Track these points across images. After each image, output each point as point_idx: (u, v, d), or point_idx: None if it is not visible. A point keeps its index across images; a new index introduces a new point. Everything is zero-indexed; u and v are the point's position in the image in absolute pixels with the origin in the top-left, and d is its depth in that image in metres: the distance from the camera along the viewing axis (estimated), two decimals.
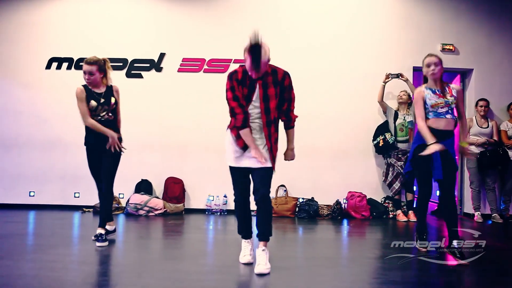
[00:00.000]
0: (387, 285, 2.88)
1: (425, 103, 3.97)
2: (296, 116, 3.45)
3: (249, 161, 3.31)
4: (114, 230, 4.45)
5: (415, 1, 6.83)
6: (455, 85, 4.10)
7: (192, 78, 6.73)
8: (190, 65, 6.74)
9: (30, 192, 6.65)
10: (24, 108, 6.71)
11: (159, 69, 6.74)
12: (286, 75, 3.31)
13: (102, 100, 4.16)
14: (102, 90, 4.23)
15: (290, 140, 3.53)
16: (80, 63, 6.68)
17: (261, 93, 3.24)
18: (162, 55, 6.74)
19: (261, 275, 3.16)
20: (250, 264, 3.40)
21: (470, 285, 2.87)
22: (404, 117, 6.30)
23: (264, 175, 3.32)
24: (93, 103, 4.12)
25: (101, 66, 4.21)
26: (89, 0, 6.82)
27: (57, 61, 6.74)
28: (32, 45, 6.77)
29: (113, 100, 4.24)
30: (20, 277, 3.12)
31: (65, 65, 6.74)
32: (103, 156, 4.19)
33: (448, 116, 3.95)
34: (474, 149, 6.31)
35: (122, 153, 4.29)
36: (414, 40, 6.77)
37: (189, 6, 6.81)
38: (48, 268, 3.36)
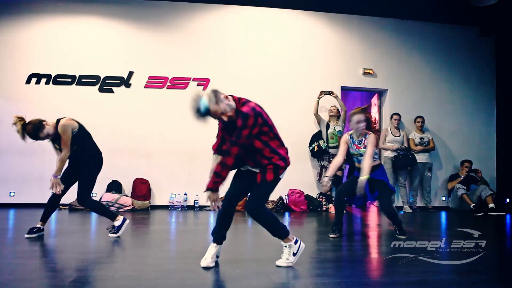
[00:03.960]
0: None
1: (349, 147, 4.25)
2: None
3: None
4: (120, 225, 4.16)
5: (342, 32, 7.17)
6: (369, 136, 4.16)
7: (157, 93, 6.73)
8: (155, 82, 6.74)
9: (10, 192, 6.41)
10: (5, 118, 6.43)
11: (128, 85, 6.70)
12: (238, 115, 2.88)
13: (52, 138, 3.94)
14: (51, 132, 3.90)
15: None
16: (58, 79, 6.57)
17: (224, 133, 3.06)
18: (131, 73, 6.71)
19: (278, 267, 2.98)
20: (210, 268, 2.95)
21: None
22: (334, 127, 6.57)
23: (257, 189, 2.98)
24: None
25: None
26: (66, 23, 6.69)
27: (36, 77, 6.56)
28: (13, 62, 6.56)
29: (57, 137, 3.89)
30: (4, 265, 3.07)
31: (43, 80, 6.56)
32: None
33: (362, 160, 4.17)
34: (390, 154, 6.72)
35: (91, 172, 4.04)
36: (342, 64, 7.11)
37: (155, 31, 6.82)
38: (28, 257, 3.32)
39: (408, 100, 7.20)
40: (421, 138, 6.92)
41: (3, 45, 6.56)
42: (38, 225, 4.04)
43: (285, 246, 3.04)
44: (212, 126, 6.63)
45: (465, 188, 6.72)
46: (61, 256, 3.48)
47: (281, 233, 3.05)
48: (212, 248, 3.03)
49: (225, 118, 2.87)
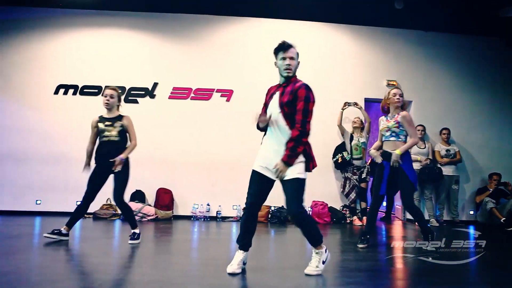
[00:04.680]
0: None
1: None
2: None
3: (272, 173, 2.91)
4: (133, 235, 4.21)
5: (365, 44, 7.14)
6: (403, 113, 4.20)
7: (181, 104, 6.79)
8: (179, 93, 6.81)
9: (36, 200, 6.50)
10: (33, 127, 6.61)
11: (152, 96, 6.79)
12: (297, 84, 2.98)
13: (108, 123, 4.14)
14: (113, 115, 4.22)
15: None
16: (84, 90, 6.72)
17: None
18: (155, 84, 6.80)
19: (307, 275, 2.90)
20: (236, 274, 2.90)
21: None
22: (358, 139, 6.49)
23: (292, 188, 2.89)
24: (101, 125, 4.13)
25: (119, 94, 4.28)
26: (93, 35, 6.85)
27: (64, 88, 6.71)
28: (42, 73, 6.72)
29: (118, 124, 4.16)
30: (31, 269, 3.09)
31: (71, 91, 6.70)
32: (107, 176, 4.15)
33: (392, 138, 4.16)
34: (416, 166, 6.55)
35: (127, 175, 4.17)
36: (366, 76, 7.05)
37: (179, 42, 6.91)
38: (56, 260, 3.34)
39: (433, 112, 7.06)
40: (447, 150, 6.77)
41: (33, 57, 6.75)
42: (62, 229, 4.10)
43: (316, 253, 2.98)
44: (235, 138, 6.68)
45: (495, 201, 6.51)
46: (88, 259, 3.50)
47: (318, 240, 2.99)
48: (239, 254, 2.98)
49: (289, 72, 2.94)
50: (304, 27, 7.11)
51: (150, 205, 6.28)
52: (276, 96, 2.98)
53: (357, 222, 6.25)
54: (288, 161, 2.82)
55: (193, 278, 2.85)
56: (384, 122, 4.27)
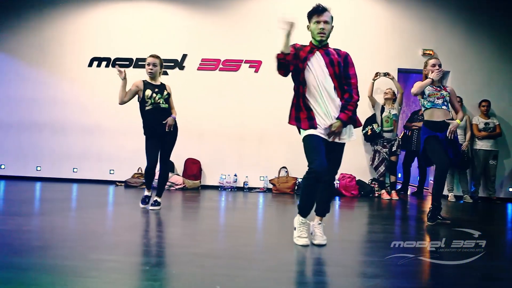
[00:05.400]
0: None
1: (423, 93, 4.06)
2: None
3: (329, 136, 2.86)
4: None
5: (399, 11, 6.82)
6: (450, 88, 4.18)
7: (210, 75, 6.81)
8: (208, 65, 6.83)
9: (73, 168, 6.83)
10: (69, 99, 6.89)
11: (182, 68, 6.86)
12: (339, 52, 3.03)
13: (156, 90, 4.22)
14: (157, 83, 4.31)
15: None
16: (117, 62, 6.88)
17: None
18: (184, 56, 6.86)
19: (319, 245, 2.88)
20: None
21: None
22: (390, 111, 6.28)
23: (341, 152, 2.97)
24: (149, 91, 4.20)
25: (161, 62, 4.36)
26: (123, 8, 6.97)
27: (97, 60, 6.91)
28: (76, 46, 6.94)
29: (165, 92, 4.27)
30: (61, 228, 3.28)
31: (103, 63, 6.90)
32: (163, 140, 4.25)
33: (444, 107, 4.03)
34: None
35: (175, 136, 4.32)
36: (399, 45, 6.76)
37: (207, 13, 6.89)
38: (91, 223, 3.52)
39: (472, 83, 6.69)
40: (486, 124, 6.43)
41: (65, 29, 6.98)
42: (147, 193, 4.35)
43: (319, 224, 3.00)
44: (263, 109, 6.66)
45: None
46: (115, 222, 3.65)
47: (328, 210, 3.03)
48: (306, 224, 2.92)
49: (322, 36, 2.90)
50: None
51: (178, 175, 6.44)
52: (319, 56, 2.90)
53: (385, 196, 6.13)
54: (347, 121, 2.84)
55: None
56: (432, 90, 4.08)
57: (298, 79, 2.92)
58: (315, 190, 2.80)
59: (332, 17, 2.94)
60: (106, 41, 6.92)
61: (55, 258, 2.34)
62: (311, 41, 2.99)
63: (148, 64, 4.27)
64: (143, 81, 4.26)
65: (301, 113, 2.89)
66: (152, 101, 4.17)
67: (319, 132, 2.84)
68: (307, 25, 2.98)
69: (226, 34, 6.84)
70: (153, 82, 4.28)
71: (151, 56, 4.31)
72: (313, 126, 2.83)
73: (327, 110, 2.85)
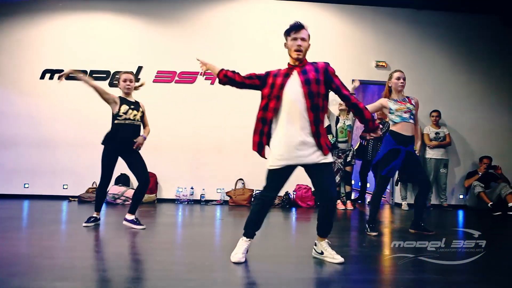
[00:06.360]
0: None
1: (390, 109, 4.13)
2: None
3: (306, 158, 2.82)
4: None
5: (353, 24, 6.98)
6: (415, 99, 4.24)
7: (165, 87, 6.78)
8: (163, 77, 6.80)
9: (24, 184, 6.64)
10: (21, 112, 6.71)
11: (137, 80, 6.75)
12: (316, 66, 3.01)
13: (132, 106, 4.22)
14: (132, 99, 4.30)
15: None
16: (70, 74, 6.73)
17: None
18: (140, 68, 6.80)
19: (339, 264, 2.91)
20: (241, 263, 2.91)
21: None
22: (344, 122, 6.40)
23: (330, 171, 2.91)
24: (125, 107, 4.17)
25: (135, 78, 4.36)
26: (77, 20, 6.84)
27: (50, 73, 6.75)
28: (28, 58, 6.77)
29: (140, 109, 4.31)
30: (15, 247, 3.19)
31: (56, 76, 6.75)
32: (130, 157, 4.26)
33: (411, 121, 4.09)
34: None
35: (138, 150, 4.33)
36: (353, 57, 6.92)
37: (162, 26, 6.87)
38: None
39: (423, 94, 6.85)
40: (437, 133, 6.65)
41: (17, 41, 6.79)
42: (94, 215, 4.29)
43: (329, 243, 3.03)
44: (219, 121, 6.65)
45: (483, 185, 6.39)
46: (73, 238, 3.57)
47: (330, 230, 3.04)
48: (244, 243, 2.98)
49: (299, 54, 2.89)
50: (290, 6, 6.97)
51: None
52: (295, 76, 2.87)
53: (340, 206, 6.22)
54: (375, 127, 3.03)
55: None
56: (399, 104, 4.15)
57: (267, 106, 2.88)
58: (263, 212, 2.97)
59: (309, 35, 2.97)
60: (59, 53, 6.78)
61: None
62: (288, 62, 2.99)
63: (125, 81, 4.24)
64: (121, 97, 4.24)
65: (263, 139, 2.90)
66: (128, 117, 4.16)
67: (277, 163, 2.84)
68: (284, 43, 2.99)
69: (182, 46, 6.82)
70: (128, 98, 4.27)
71: (126, 72, 4.30)
72: (275, 158, 2.86)
73: (302, 132, 2.80)
